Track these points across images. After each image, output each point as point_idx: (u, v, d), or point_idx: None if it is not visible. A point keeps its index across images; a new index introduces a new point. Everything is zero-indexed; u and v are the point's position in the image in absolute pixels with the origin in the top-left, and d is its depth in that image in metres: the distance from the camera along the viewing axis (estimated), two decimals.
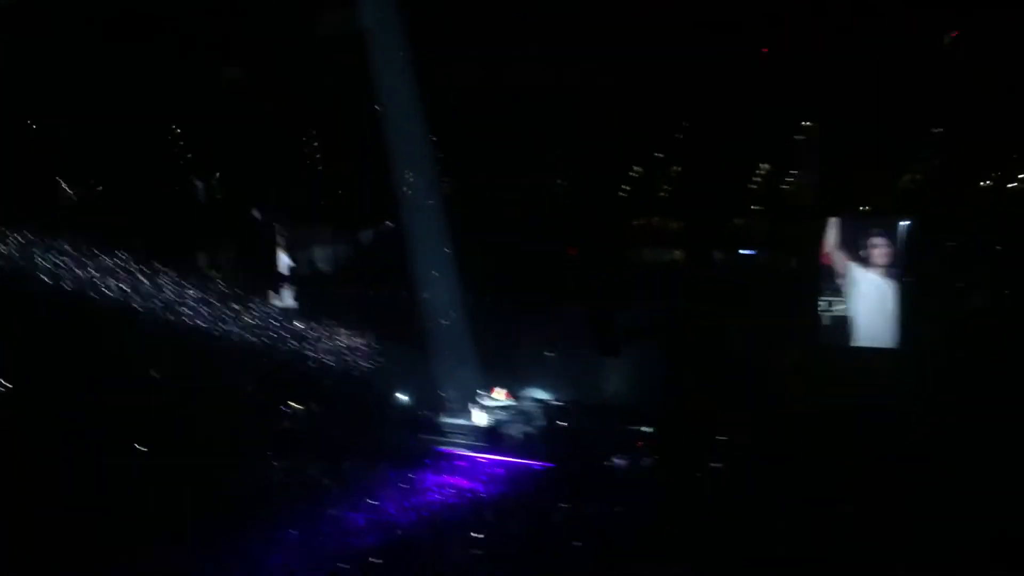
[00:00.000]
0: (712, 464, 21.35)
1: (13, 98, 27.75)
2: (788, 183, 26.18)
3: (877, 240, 23.68)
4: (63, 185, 29.58)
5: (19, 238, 26.46)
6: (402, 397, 26.96)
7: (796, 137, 25.63)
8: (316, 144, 29.52)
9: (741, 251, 27.15)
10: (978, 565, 16.50)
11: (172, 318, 27.17)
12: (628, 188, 27.59)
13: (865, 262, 23.76)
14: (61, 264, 26.73)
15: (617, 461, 22.07)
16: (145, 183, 29.39)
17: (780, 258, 26.97)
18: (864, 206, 25.16)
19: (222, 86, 29.27)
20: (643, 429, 23.67)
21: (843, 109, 23.89)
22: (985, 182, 24.68)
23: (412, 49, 25.15)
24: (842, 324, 24.00)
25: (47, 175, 29.21)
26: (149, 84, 27.33)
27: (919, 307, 23.31)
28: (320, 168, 29.66)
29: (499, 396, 25.47)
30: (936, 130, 24.35)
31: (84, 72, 27.20)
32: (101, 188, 29.68)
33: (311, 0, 27.36)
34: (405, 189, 26.78)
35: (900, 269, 23.39)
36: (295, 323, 28.06)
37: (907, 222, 23.87)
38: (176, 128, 28.99)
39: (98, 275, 27.11)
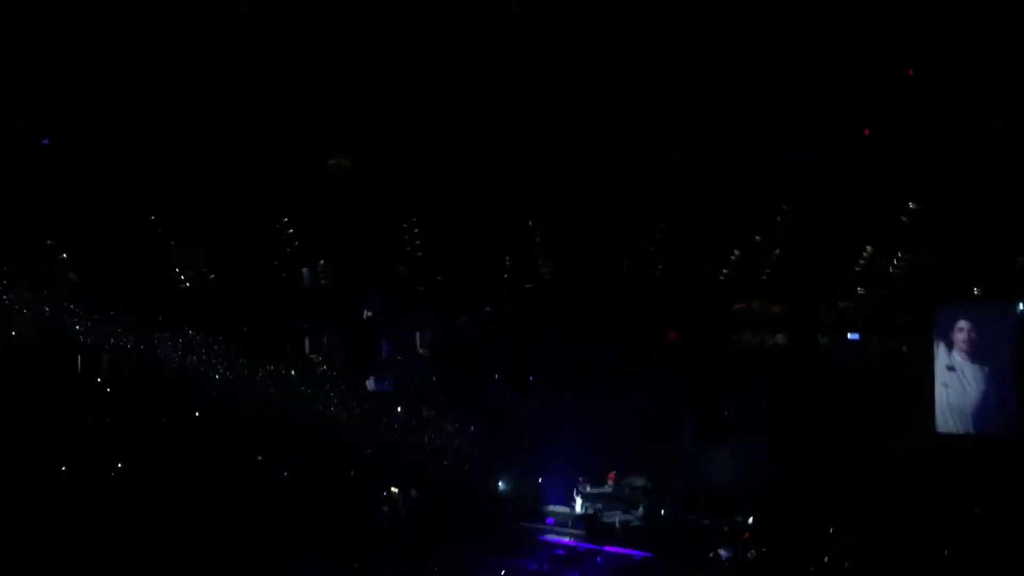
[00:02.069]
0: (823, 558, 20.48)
1: (127, 191, 29.09)
2: (895, 265, 25.45)
3: (963, 324, 23.10)
4: (177, 273, 30.59)
5: (135, 325, 27.55)
6: (502, 484, 26.85)
7: (902, 218, 24.96)
8: (418, 231, 29.94)
9: (848, 335, 26.44)
10: None
11: (275, 403, 27.74)
12: (728, 272, 27.23)
13: (951, 347, 23.19)
14: (172, 350, 27.67)
15: (723, 553, 21.35)
16: (254, 270, 30.18)
17: (888, 342, 26.15)
18: (975, 288, 24.29)
19: (329, 175, 30.12)
20: (748, 520, 23.05)
21: (950, 189, 23.25)
22: None
23: (510, 137, 25.60)
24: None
25: (161, 264, 30.26)
26: (258, 174, 28.25)
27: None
28: (421, 255, 30.01)
29: (599, 483, 25.06)
30: None
31: (194, 163, 28.30)
32: (213, 276, 30.59)
33: (419, 92, 28.13)
34: (505, 275, 27.09)
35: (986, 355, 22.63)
36: (396, 408, 28.29)
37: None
38: (284, 217, 29.76)
39: (204, 360, 27.95)
